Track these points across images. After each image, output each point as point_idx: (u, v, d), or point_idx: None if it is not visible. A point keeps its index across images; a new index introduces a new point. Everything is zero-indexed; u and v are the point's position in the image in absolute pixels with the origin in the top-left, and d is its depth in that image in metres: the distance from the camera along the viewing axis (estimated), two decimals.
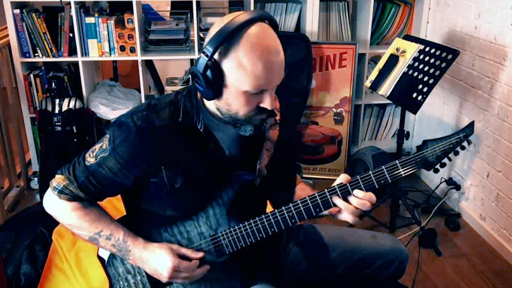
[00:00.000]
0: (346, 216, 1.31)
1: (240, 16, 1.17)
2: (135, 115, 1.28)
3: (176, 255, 1.31)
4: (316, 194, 1.30)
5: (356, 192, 1.28)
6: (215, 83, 1.20)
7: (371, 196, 1.28)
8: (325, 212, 1.34)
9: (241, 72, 1.18)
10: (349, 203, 1.28)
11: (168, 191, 1.31)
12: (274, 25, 1.24)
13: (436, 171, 1.33)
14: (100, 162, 1.31)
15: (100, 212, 1.37)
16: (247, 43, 1.16)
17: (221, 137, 1.34)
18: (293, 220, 1.31)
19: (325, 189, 1.30)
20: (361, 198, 1.28)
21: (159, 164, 1.30)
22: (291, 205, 1.31)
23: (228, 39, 1.16)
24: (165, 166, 1.30)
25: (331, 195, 1.29)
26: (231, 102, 1.23)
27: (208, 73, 1.18)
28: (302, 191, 1.53)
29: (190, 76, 1.26)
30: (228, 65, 1.18)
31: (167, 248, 1.32)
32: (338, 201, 1.29)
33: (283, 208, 1.31)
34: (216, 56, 1.18)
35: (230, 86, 1.20)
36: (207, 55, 1.17)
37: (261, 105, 1.24)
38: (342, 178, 1.31)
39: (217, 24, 1.21)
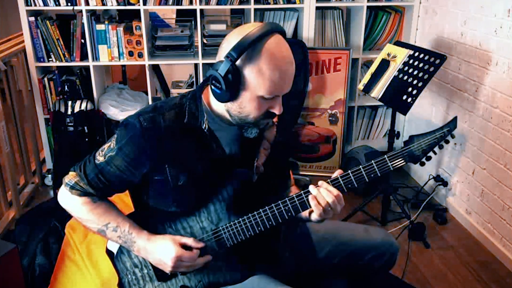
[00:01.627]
0: (313, 215, 1.31)
1: (259, 28, 1.19)
2: (141, 116, 1.29)
3: (179, 245, 1.31)
4: (302, 192, 1.30)
5: (323, 184, 1.28)
6: (234, 86, 1.21)
7: (338, 193, 1.28)
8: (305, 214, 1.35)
9: (260, 78, 1.19)
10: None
11: (172, 188, 1.31)
12: (284, 36, 1.26)
13: (423, 164, 1.32)
14: (108, 160, 1.31)
15: (108, 206, 1.37)
16: (268, 52, 1.19)
17: (223, 137, 1.34)
18: (289, 214, 1.31)
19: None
20: (327, 190, 1.27)
21: (163, 163, 1.30)
22: (287, 199, 1.31)
23: (251, 47, 1.17)
24: (169, 165, 1.30)
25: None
26: (244, 105, 1.24)
27: (229, 76, 1.19)
28: (296, 191, 1.53)
29: (209, 80, 1.26)
30: (249, 71, 1.20)
31: (170, 239, 1.31)
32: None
33: (279, 202, 1.31)
34: (237, 61, 1.19)
35: (247, 90, 1.22)
36: (231, 60, 1.18)
37: (271, 110, 1.27)
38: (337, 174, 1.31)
39: (236, 32, 1.22)
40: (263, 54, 1.18)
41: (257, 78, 1.20)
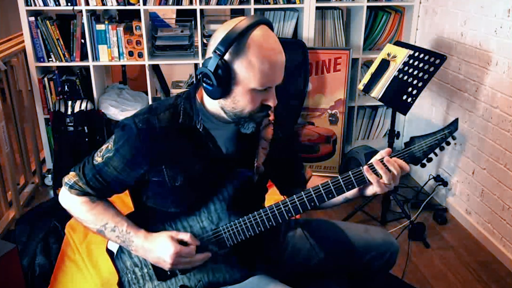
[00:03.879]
0: (375, 188, 1.29)
1: (245, 21, 1.19)
2: (136, 118, 1.29)
3: (176, 241, 1.30)
4: (350, 173, 1.29)
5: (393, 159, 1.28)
6: (225, 81, 1.20)
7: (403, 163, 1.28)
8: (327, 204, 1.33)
9: (250, 70, 1.19)
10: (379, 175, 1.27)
11: (170, 189, 1.31)
12: (271, 28, 1.25)
13: (423, 165, 1.32)
14: (106, 162, 1.32)
15: (107, 206, 1.37)
16: (255, 44, 1.18)
17: (219, 136, 1.34)
18: (289, 214, 1.31)
19: (347, 173, 1.29)
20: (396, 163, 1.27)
21: (160, 164, 1.30)
22: (287, 200, 1.31)
23: (237, 40, 1.17)
24: (166, 166, 1.30)
25: (359, 175, 1.28)
26: (238, 99, 1.24)
27: (219, 72, 1.19)
28: (312, 183, 1.52)
29: (199, 76, 1.26)
30: (238, 64, 1.19)
31: (167, 236, 1.30)
32: (370, 176, 1.27)
33: (280, 203, 1.31)
34: (226, 56, 1.19)
35: (239, 84, 1.21)
36: (219, 55, 1.17)
37: (265, 102, 1.26)
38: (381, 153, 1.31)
39: (222, 28, 1.22)
40: (250, 46, 1.18)
41: (247, 71, 1.19)
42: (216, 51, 1.18)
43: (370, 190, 1.32)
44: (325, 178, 1.43)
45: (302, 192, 1.30)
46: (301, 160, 1.59)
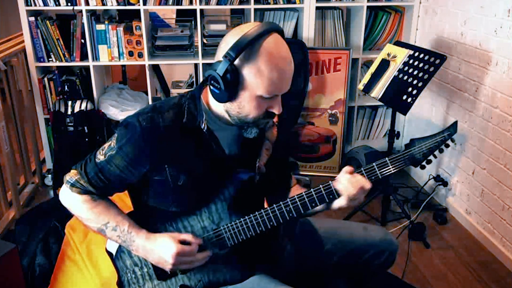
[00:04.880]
0: (342, 201, 1.30)
1: (257, 27, 1.19)
2: (140, 116, 1.29)
3: (178, 241, 1.30)
4: (321, 186, 1.30)
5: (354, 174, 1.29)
6: (233, 86, 1.21)
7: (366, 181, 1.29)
8: (319, 208, 1.34)
9: (258, 77, 1.19)
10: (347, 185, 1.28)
11: (172, 188, 1.31)
12: (282, 35, 1.26)
13: (423, 167, 1.33)
14: (108, 160, 1.31)
15: (108, 205, 1.37)
16: (266, 51, 1.18)
17: (222, 137, 1.34)
18: (290, 215, 1.31)
19: (323, 184, 1.30)
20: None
21: (162, 163, 1.30)
22: (288, 200, 1.31)
23: (249, 47, 1.17)
24: (168, 165, 1.30)
25: (329, 187, 1.29)
26: (244, 105, 1.24)
27: (228, 76, 1.19)
28: (297, 190, 1.53)
29: (205, 78, 1.27)
30: (247, 70, 1.19)
31: (169, 236, 1.31)
32: (339, 185, 1.28)
33: (281, 203, 1.31)
34: (235, 61, 1.19)
35: (246, 90, 1.22)
36: (229, 59, 1.18)
37: (270, 109, 1.27)
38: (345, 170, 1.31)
39: (234, 32, 1.22)
40: (261, 54, 1.18)
41: (256, 78, 1.20)
42: (227, 55, 1.18)
43: (337, 203, 1.34)
44: (301, 187, 1.47)
45: (303, 192, 1.30)
46: (291, 164, 1.59)
